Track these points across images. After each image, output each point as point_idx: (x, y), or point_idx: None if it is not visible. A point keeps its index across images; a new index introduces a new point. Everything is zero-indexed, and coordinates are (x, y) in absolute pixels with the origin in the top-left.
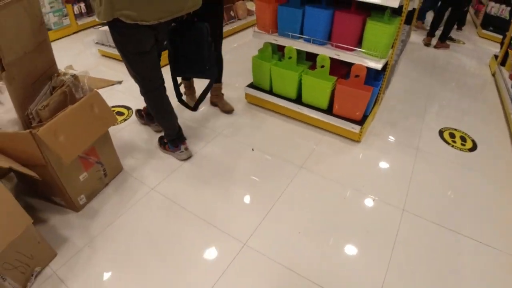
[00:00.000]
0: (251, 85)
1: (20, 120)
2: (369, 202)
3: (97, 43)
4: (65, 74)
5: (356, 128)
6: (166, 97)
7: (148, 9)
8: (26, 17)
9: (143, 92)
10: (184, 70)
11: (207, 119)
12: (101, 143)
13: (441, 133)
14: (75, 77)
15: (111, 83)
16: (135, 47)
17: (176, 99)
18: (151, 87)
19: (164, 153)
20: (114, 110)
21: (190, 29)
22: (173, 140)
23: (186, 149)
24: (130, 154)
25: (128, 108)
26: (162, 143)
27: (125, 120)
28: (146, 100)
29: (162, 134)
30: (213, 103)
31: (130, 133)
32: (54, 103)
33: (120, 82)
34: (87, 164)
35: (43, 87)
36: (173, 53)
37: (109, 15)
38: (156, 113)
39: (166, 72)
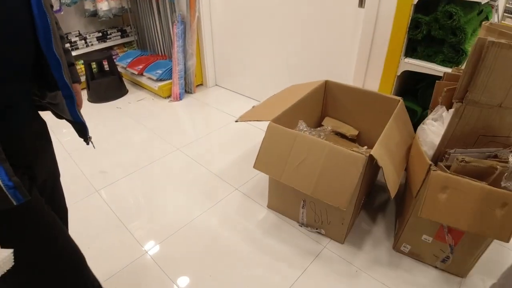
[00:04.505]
0: None
1: (436, 148)
2: None
3: None
4: None
5: None
6: None
7: None
8: None
9: None
10: None
11: None
12: (475, 241)
13: None
14: None
15: None
16: None
17: None
18: None
19: None
20: None
21: None
22: None
23: None
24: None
25: None
26: None
27: None
28: None
29: None
30: None
31: None
32: (476, 168)
33: None
34: (440, 235)
35: (490, 146)
36: None
37: None
38: None
39: None
